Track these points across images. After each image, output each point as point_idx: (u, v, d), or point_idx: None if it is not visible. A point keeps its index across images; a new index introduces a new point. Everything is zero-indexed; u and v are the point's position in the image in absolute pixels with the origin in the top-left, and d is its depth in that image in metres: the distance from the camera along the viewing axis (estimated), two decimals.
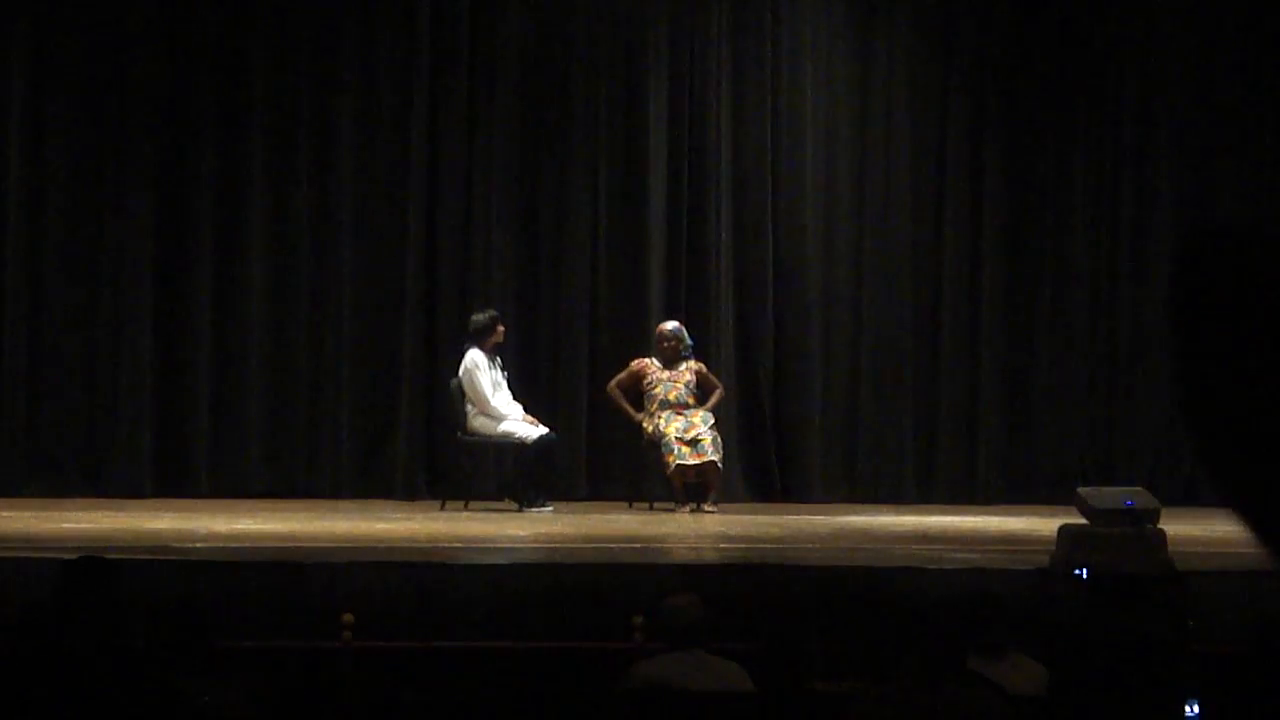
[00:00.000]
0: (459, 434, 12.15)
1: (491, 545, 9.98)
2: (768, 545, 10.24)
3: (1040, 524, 10.40)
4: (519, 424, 12.05)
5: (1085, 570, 7.50)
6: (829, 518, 12.00)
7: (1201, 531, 10.68)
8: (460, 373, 12.06)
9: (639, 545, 9.94)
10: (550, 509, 11.88)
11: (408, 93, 13.08)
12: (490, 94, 13.25)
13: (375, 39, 13.11)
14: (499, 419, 12.02)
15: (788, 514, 12.24)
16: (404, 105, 13.08)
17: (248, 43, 12.94)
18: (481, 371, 11.99)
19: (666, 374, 12.34)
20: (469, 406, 12.06)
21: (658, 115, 13.41)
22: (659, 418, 12.21)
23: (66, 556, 8.38)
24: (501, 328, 12.16)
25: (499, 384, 12.12)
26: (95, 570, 6.33)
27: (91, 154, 12.78)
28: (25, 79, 12.71)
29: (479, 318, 12.16)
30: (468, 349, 12.08)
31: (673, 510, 12.03)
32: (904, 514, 12.46)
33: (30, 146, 12.72)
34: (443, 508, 12.04)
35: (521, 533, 10.49)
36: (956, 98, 13.79)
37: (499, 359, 12.17)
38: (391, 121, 13.10)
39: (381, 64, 13.12)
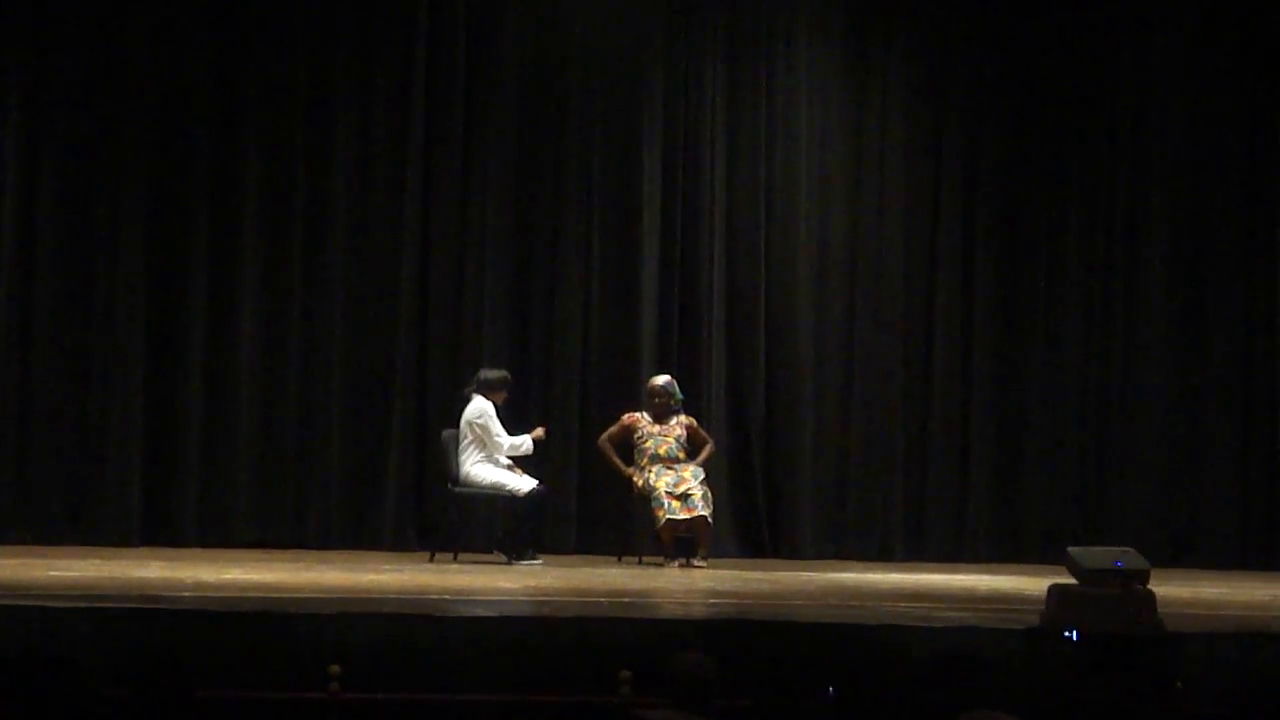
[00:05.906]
0: (449, 485, 12.13)
1: (480, 598, 9.94)
2: (757, 601, 10.21)
3: (1029, 583, 10.38)
4: (511, 476, 12.03)
5: (1074, 630, 7.48)
6: (818, 574, 11.99)
7: (1191, 593, 10.67)
8: (466, 420, 12.02)
9: (627, 600, 9.92)
10: (539, 562, 11.86)
11: (402, 147, 13.08)
12: (484, 147, 13.26)
13: (370, 97, 13.12)
14: (502, 465, 12.02)
15: (777, 570, 12.24)
16: (398, 160, 13.08)
17: (241, 91, 12.97)
18: (494, 418, 11.97)
19: (657, 428, 12.34)
20: (463, 455, 12.04)
21: (651, 168, 13.44)
22: (649, 472, 12.20)
23: (52, 605, 8.40)
24: (507, 391, 12.15)
25: None
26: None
27: (84, 201, 12.77)
28: (18, 127, 12.70)
29: (492, 374, 12.14)
30: (474, 397, 12.06)
31: (662, 565, 12.01)
32: (893, 571, 12.45)
33: (22, 195, 12.70)
34: (432, 559, 12.01)
35: (510, 585, 10.47)
36: (950, 153, 13.84)
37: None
38: (385, 178, 13.09)
39: (378, 119, 13.12)
